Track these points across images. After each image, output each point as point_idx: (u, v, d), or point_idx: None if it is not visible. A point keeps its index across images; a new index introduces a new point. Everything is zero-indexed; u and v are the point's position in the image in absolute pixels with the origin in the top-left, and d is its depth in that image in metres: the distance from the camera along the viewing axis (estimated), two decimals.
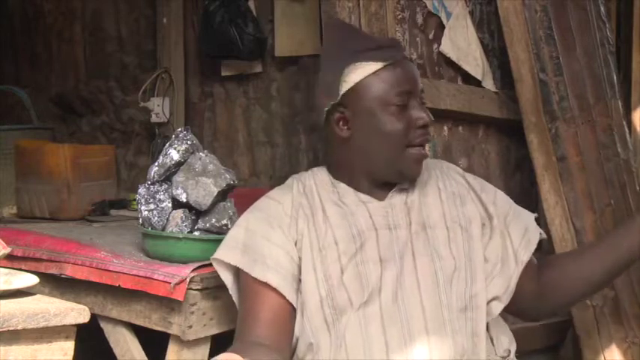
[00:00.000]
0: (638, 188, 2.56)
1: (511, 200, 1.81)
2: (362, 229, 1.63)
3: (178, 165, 1.86)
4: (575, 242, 2.46)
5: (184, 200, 1.82)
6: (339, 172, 1.71)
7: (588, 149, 2.55)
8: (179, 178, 1.83)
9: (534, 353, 2.61)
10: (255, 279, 1.60)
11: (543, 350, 2.69)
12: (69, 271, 1.94)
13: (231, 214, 1.85)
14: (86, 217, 2.63)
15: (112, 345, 1.94)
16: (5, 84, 3.59)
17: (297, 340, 1.61)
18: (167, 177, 1.87)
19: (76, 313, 1.63)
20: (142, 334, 1.92)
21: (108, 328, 1.94)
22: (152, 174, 1.87)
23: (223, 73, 3.13)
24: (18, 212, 2.77)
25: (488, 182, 1.83)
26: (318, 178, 1.73)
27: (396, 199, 1.69)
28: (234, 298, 1.68)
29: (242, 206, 1.76)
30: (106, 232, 2.29)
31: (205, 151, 1.89)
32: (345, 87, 1.64)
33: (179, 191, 1.82)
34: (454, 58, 2.60)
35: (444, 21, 2.59)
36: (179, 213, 1.84)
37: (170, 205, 1.86)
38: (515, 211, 1.78)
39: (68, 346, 1.63)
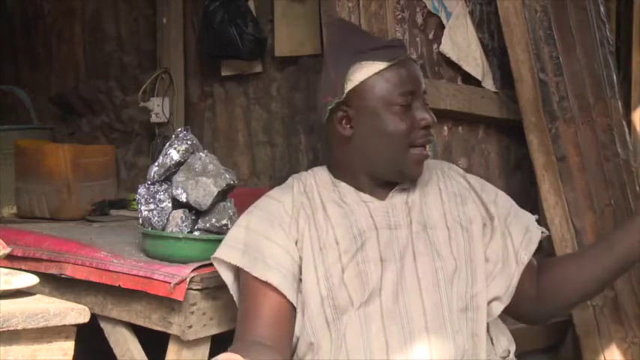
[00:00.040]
0: (638, 188, 2.56)
1: (512, 200, 1.80)
2: (363, 228, 1.63)
3: (178, 165, 1.86)
4: (575, 242, 2.46)
5: (184, 200, 1.82)
6: (340, 172, 1.71)
7: (588, 149, 2.55)
8: (179, 178, 1.83)
9: (534, 353, 2.61)
10: (255, 278, 1.60)
11: (543, 350, 2.69)
12: (69, 271, 1.94)
13: (231, 214, 1.85)
14: (86, 217, 2.63)
15: (112, 345, 1.94)
16: (5, 84, 3.59)
17: (298, 339, 1.61)
18: (167, 177, 1.87)
19: (76, 313, 1.63)
20: (141, 334, 1.92)
21: (108, 328, 1.94)
22: (152, 174, 1.87)
23: (223, 73, 3.13)
24: (18, 212, 2.77)
25: (488, 182, 1.83)
26: (319, 177, 1.73)
27: (396, 198, 1.69)
28: (235, 297, 1.68)
29: (242, 206, 1.76)
30: (106, 232, 2.29)
31: (205, 151, 1.89)
32: (350, 85, 1.64)
33: (179, 191, 1.82)
34: (454, 58, 2.59)
35: (444, 21, 2.59)
36: (179, 213, 1.84)
37: (170, 205, 1.86)
38: (516, 211, 1.78)
39: (68, 346, 1.63)
